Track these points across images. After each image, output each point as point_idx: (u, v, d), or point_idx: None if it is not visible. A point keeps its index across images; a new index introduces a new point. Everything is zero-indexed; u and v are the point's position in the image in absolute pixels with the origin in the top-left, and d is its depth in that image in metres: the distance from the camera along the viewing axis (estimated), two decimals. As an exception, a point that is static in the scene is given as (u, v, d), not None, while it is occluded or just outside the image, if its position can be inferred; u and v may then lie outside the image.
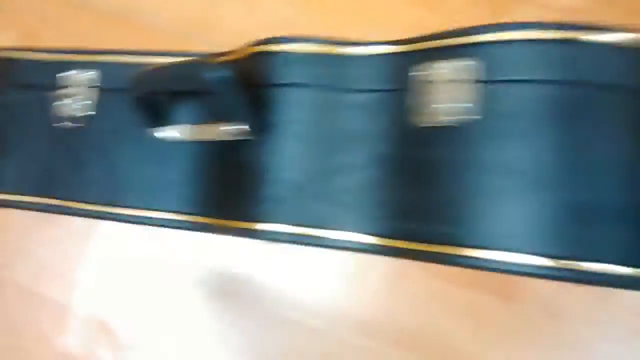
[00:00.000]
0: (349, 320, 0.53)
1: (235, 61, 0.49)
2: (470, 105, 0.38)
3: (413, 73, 0.41)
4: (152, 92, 0.48)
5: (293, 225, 0.44)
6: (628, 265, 0.34)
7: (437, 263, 0.38)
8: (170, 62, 0.47)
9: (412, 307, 0.51)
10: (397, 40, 0.43)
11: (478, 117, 0.37)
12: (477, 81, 0.38)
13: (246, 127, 0.44)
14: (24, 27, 0.70)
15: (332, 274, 0.54)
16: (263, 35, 0.47)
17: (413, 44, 0.42)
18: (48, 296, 0.63)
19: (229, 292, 0.57)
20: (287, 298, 0.55)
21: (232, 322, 0.56)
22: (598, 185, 0.35)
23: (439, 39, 0.41)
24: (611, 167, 0.35)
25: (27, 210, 0.56)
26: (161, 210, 0.52)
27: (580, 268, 0.35)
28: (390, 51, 0.43)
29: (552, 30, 0.36)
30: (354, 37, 0.45)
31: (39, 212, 0.55)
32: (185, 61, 0.46)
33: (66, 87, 0.55)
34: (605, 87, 0.36)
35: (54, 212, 0.56)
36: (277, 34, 0.46)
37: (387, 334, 0.52)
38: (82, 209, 0.54)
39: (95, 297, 0.61)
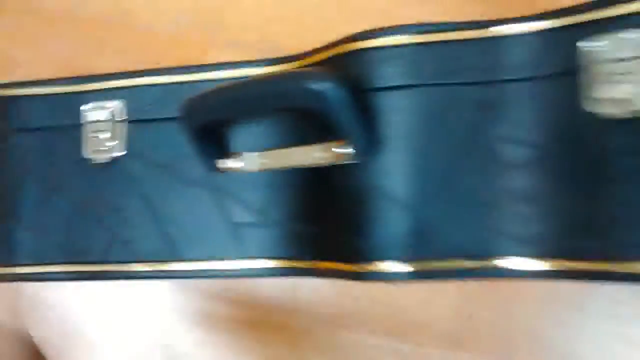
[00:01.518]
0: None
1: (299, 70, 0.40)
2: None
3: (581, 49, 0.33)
4: (220, 119, 0.38)
5: (421, 261, 0.35)
6: None
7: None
8: (242, 80, 0.37)
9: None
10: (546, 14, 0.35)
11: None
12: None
13: (351, 147, 0.35)
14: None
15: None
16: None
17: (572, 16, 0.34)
18: None
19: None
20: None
21: None
22: None
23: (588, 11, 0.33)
24: None
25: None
26: (235, 259, 0.42)
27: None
28: (539, 28, 0.35)
29: None
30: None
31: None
32: (269, 75, 0.36)
33: (85, 125, 0.45)
34: None
35: (88, 280, 0.45)
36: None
37: None
38: (127, 272, 0.44)
39: None
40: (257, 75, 0.37)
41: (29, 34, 0.59)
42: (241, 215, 0.42)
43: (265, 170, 0.41)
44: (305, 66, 0.40)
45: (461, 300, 0.43)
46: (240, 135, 0.42)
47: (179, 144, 0.42)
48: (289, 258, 0.41)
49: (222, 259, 0.43)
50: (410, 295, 0.45)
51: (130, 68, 0.45)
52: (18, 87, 0.47)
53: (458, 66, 0.35)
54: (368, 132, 0.36)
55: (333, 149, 0.36)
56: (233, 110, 0.37)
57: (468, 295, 0.43)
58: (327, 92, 0.33)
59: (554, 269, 0.33)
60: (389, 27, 0.37)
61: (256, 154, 0.41)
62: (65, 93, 0.46)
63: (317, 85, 0.33)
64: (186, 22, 0.55)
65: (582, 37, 0.33)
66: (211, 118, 0.38)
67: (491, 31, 0.35)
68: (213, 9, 0.55)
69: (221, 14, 0.54)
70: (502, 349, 0.42)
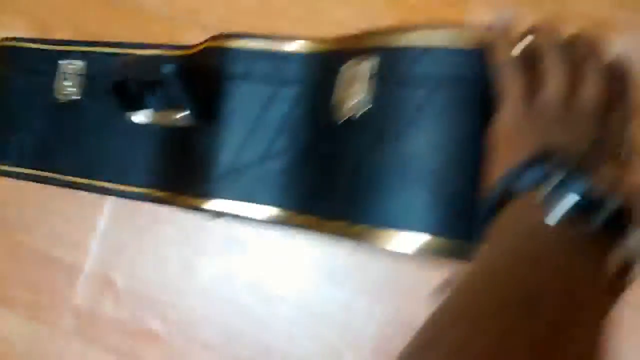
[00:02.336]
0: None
1: (192, 55, 0.55)
2: (366, 101, 0.43)
3: (334, 70, 0.47)
4: (124, 80, 0.55)
5: (229, 199, 0.50)
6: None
7: (328, 233, 0.44)
8: (138, 55, 0.54)
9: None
10: (323, 39, 0.49)
11: (368, 111, 0.43)
12: (374, 78, 0.43)
13: (191, 115, 0.51)
14: (33, 16, 0.78)
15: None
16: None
17: (332, 44, 0.48)
18: (60, 257, 0.71)
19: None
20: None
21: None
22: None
23: (354, 40, 0.46)
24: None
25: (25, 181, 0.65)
26: (129, 184, 0.59)
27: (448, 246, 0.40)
28: (317, 49, 0.49)
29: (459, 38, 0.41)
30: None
31: (53, 188, 0.64)
32: (146, 55, 0.53)
33: (60, 74, 0.63)
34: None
35: (43, 183, 0.64)
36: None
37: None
38: (66, 180, 0.62)
39: (100, 258, 0.69)
40: (143, 54, 0.53)
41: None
42: (139, 153, 0.58)
43: (153, 123, 0.57)
44: (185, 53, 0.56)
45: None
46: (148, 98, 0.58)
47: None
48: (154, 187, 0.57)
49: (125, 183, 0.60)
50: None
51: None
52: (19, 41, 0.66)
53: (268, 68, 0.50)
54: (206, 106, 0.51)
55: (178, 115, 0.52)
56: (130, 74, 0.54)
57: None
58: (168, 73, 0.48)
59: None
60: (238, 33, 0.52)
61: (150, 111, 0.57)
62: (50, 50, 0.64)
63: (163, 68, 0.49)
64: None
65: (335, 61, 0.46)
66: (120, 78, 0.55)
67: (278, 46, 0.49)
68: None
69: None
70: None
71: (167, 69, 0.48)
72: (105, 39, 0.64)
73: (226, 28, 0.54)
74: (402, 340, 0.30)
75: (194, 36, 0.58)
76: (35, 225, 0.70)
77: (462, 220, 0.40)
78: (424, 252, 0.39)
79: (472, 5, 0.56)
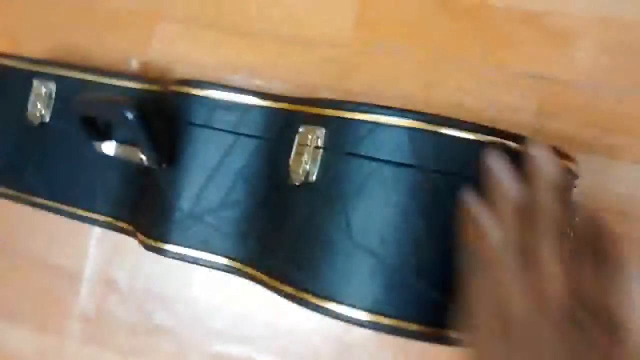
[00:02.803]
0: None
1: (158, 93, 0.57)
2: (314, 168, 0.45)
3: (292, 130, 0.48)
4: (87, 115, 0.56)
5: (183, 247, 0.52)
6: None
7: (274, 292, 0.46)
8: (97, 96, 0.55)
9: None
10: (284, 97, 0.50)
11: (316, 180, 0.44)
12: (322, 149, 0.45)
13: (151, 158, 0.52)
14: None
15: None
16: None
17: (292, 104, 0.49)
18: (59, 265, 0.73)
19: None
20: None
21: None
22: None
23: (309, 105, 0.47)
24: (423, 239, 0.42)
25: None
26: (94, 212, 0.60)
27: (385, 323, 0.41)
28: (277, 106, 0.50)
29: (407, 119, 0.43)
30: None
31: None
32: (108, 97, 0.54)
33: (33, 95, 0.64)
34: (445, 173, 0.42)
35: (15, 201, 0.65)
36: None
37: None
38: (35, 202, 0.63)
39: (99, 261, 0.71)
40: (104, 96, 0.55)
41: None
42: (105, 182, 0.60)
43: (116, 155, 0.58)
44: (151, 89, 0.57)
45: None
46: (113, 130, 0.59)
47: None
48: (118, 218, 0.59)
49: (91, 210, 0.61)
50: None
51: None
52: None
53: (231, 119, 0.51)
54: (167, 149, 0.52)
55: (141, 154, 0.53)
56: (90, 110, 0.54)
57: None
58: (128, 119, 0.49)
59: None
60: (206, 82, 0.53)
61: (115, 144, 0.58)
62: (23, 69, 0.65)
63: (124, 111, 0.49)
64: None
65: (293, 120, 0.47)
66: (83, 113, 0.56)
67: (241, 98, 0.50)
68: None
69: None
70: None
71: (130, 115, 0.49)
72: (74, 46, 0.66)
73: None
74: None
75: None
76: (31, 236, 0.72)
77: (401, 299, 0.41)
78: (366, 327, 0.41)
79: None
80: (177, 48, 0.74)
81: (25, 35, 0.81)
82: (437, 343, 0.43)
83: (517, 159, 0.42)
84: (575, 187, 0.51)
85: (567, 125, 0.62)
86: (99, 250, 0.72)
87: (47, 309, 0.74)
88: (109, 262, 0.71)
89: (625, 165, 0.58)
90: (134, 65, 0.75)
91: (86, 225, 0.66)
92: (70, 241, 0.73)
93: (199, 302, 0.68)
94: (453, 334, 0.42)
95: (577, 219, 0.48)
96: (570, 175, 0.48)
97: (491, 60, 0.66)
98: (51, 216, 0.66)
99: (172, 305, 0.69)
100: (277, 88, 0.69)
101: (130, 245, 0.64)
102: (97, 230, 0.71)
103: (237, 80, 0.71)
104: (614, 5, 0.62)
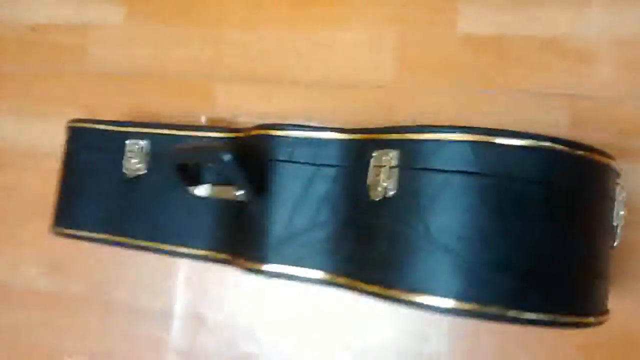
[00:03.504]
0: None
1: (242, 138, 0.66)
2: (391, 185, 0.53)
3: (366, 156, 0.56)
4: (183, 164, 0.65)
5: (280, 265, 0.60)
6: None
7: (364, 295, 0.54)
8: (194, 145, 0.64)
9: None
10: (357, 129, 0.59)
11: (394, 195, 0.53)
12: (397, 167, 0.53)
13: (246, 193, 0.61)
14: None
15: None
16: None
17: (365, 134, 0.57)
18: (149, 307, 0.82)
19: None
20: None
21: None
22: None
23: (380, 133, 0.56)
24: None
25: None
26: (191, 247, 0.69)
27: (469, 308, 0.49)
28: (350, 137, 0.59)
29: (467, 134, 0.51)
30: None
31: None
32: (204, 145, 0.63)
33: (127, 152, 0.74)
34: (505, 177, 0.50)
35: (117, 246, 0.74)
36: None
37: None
38: (136, 244, 0.72)
39: (187, 300, 0.80)
40: (200, 145, 0.64)
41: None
42: (201, 221, 0.69)
43: (212, 196, 0.67)
44: (236, 136, 0.66)
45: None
46: (206, 174, 0.68)
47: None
48: (215, 250, 0.67)
49: (189, 247, 0.70)
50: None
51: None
52: (86, 123, 0.78)
53: (309, 152, 0.60)
54: (257, 184, 0.61)
55: (234, 192, 0.62)
56: (186, 158, 0.64)
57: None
58: (225, 161, 0.58)
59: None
60: (284, 124, 0.62)
61: (207, 186, 0.67)
62: (115, 131, 0.75)
63: (220, 155, 0.59)
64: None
65: (367, 148, 0.56)
66: (178, 160, 0.65)
67: (316, 134, 0.59)
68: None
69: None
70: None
71: (227, 157, 0.58)
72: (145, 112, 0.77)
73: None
74: None
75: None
76: (120, 281, 0.82)
77: (481, 287, 0.49)
78: (452, 314, 0.49)
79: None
80: (237, 102, 0.85)
81: (100, 104, 0.92)
82: (516, 324, 0.49)
83: (563, 160, 0.50)
84: (618, 184, 0.58)
85: (598, 134, 0.70)
86: (186, 290, 0.81)
87: (142, 347, 0.82)
88: (197, 301, 0.80)
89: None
90: (204, 120, 0.85)
91: (171, 269, 0.76)
92: (157, 284, 0.82)
93: (279, 328, 0.76)
94: (529, 315, 0.49)
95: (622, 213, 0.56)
96: (614, 173, 0.56)
97: (520, 86, 0.75)
98: (137, 263, 0.75)
99: (256, 334, 0.78)
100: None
101: (215, 283, 0.73)
102: (182, 272, 0.80)
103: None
104: (627, 26, 0.71)
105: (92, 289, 0.87)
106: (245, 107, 0.85)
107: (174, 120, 0.86)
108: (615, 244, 0.59)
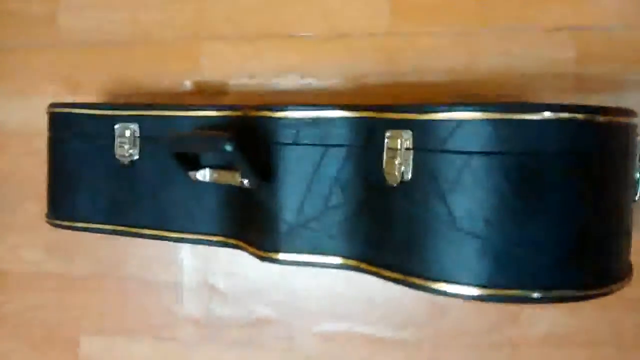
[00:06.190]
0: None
1: (241, 119, 0.62)
2: (408, 168, 0.50)
3: (378, 136, 0.53)
4: (181, 151, 0.61)
5: (295, 253, 0.58)
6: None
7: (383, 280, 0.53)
8: (192, 132, 0.61)
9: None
10: (366, 106, 0.55)
11: (412, 179, 0.50)
12: (413, 149, 0.50)
13: (250, 181, 0.58)
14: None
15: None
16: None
17: (375, 112, 0.54)
18: (160, 279, 0.82)
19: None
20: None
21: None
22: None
23: (391, 112, 0.52)
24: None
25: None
26: (200, 233, 0.67)
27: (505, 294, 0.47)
28: (360, 115, 0.55)
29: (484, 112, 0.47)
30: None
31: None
32: (203, 134, 0.59)
33: (117, 137, 0.70)
34: (528, 153, 0.47)
35: (118, 235, 0.71)
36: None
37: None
38: (139, 233, 0.70)
39: (196, 270, 0.80)
40: (197, 132, 0.60)
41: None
42: (205, 206, 0.66)
43: (213, 181, 0.64)
44: (241, 115, 0.62)
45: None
46: (205, 158, 0.65)
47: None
48: (225, 235, 0.65)
49: (194, 232, 0.67)
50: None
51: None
52: (69, 107, 0.73)
53: (316, 133, 0.56)
54: (262, 169, 0.58)
55: (238, 178, 0.59)
56: (185, 148, 0.60)
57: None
58: (227, 149, 0.55)
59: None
60: (284, 105, 0.58)
61: (208, 171, 0.64)
62: (101, 115, 0.71)
63: (222, 145, 0.55)
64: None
65: (380, 127, 0.53)
66: (176, 150, 0.61)
67: (321, 113, 0.56)
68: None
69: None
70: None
71: (229, 147, 0.55)
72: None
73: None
74: None
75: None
76: (129, 257, 0.82)
77: (513, 271, 0.47)
78: (487, 300, 0.47)
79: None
80: (226, 63, 0.80)
81: (81, 77, 0.86)
82: (555, 302, 0.48)
83: (585, 129, 0.47)
84: (638, 134, 0.55)
85: (606, 68, 0.67)
86: (195, 259, 0.79)
87: (158, 320, 0.82)
88: (205, 269, 0.79)
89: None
90: (188, 85, 0.80)
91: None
92: (164, 256, 0.81)
93: (295, 290, 0.75)
94: (571, 293, 0.47)
95: None
96: (635, 128, 0.53)
97: (524, 22, 0.71)
98: (138, 242, 0.73)
99: (270, 297, 0.77)
100: (328, 83, 0.76)
101: (221, 250, 0.71)
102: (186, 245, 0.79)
103: (290, 82, 0.77)
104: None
105: (99, 268, 0.85)
106: (234, 68, 0.80)
107: (160, 90, 0.82)
108: (637, 197, 0.57)
